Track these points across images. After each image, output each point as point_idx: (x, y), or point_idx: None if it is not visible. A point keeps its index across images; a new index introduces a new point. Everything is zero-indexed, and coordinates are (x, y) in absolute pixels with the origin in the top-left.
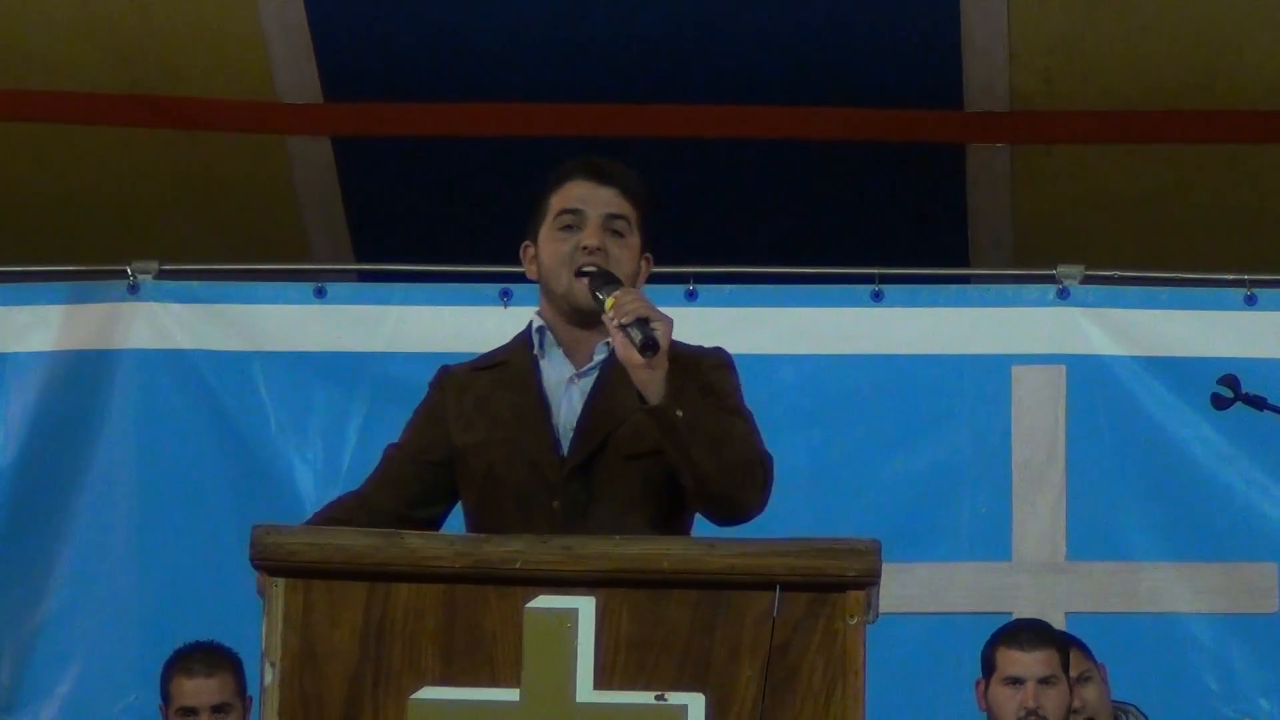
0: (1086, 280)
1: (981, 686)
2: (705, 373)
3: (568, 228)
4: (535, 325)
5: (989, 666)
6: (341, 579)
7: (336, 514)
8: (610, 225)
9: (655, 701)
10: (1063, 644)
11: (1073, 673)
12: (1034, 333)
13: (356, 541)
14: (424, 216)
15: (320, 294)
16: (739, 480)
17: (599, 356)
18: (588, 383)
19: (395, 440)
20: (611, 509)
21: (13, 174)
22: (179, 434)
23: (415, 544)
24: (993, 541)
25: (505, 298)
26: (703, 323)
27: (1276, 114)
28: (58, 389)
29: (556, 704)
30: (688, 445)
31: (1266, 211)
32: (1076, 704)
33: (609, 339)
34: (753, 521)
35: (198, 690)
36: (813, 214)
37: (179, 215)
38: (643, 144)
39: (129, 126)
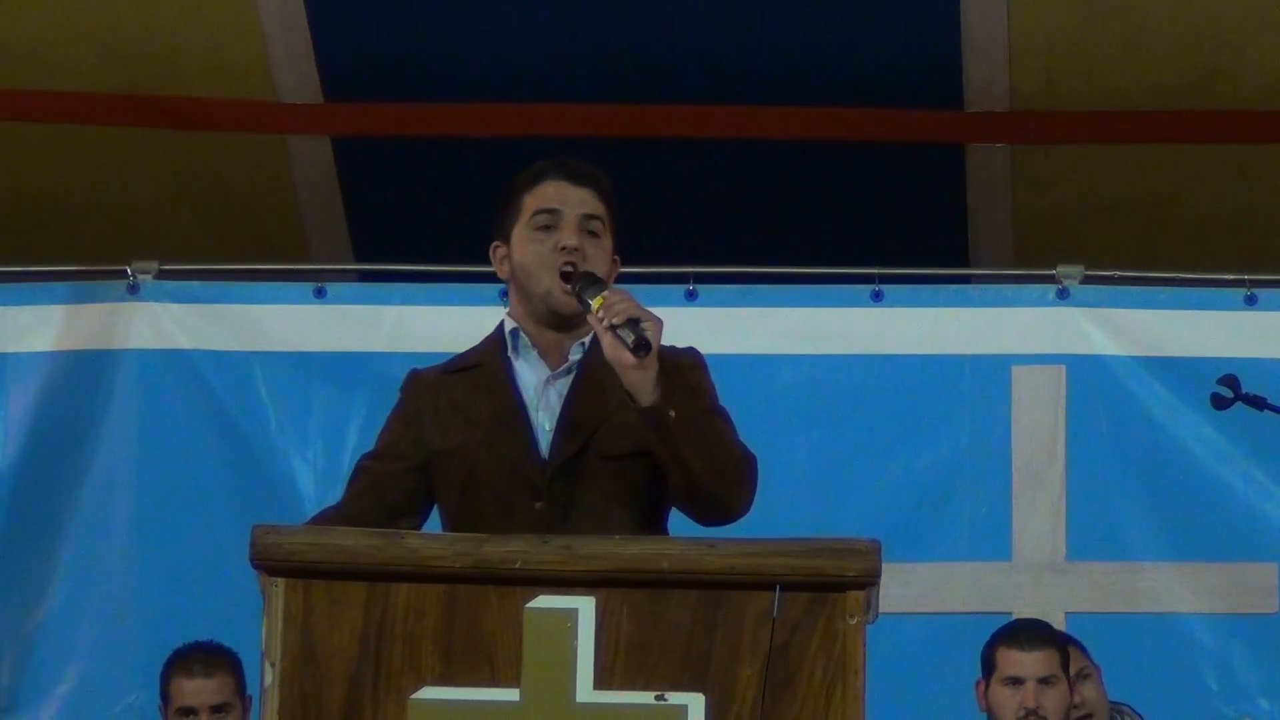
0: (1086, 280)
1: (981, 686)
2: (684, 373)
3: (545, 228)
4: (508, 328)
5: (989, 666)
6: (341, 579)
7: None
8: (586, 225)
9: (655, 701)
10: (1062, 644)
11: (1071, 670)
12: (1034, 333)
13: (357, 541)
14: (424, 216)
15: (320, 294)
16: (729, 480)
17: (574, 357)
18: (564, 384)
19: (368, 450)
20: (594, 510)
21: (13, 174)
22: (179, 434)
23: (415, 544)
24: (993, 541)
25: (505, 298)
26: (703, 323)
27: (1276, 114)
28: (58, 389)
29: (556, 704)
30: (680, 445)
31: (1266, 211)
32: (1076, 700)
33: (584, 340)
34: (753, 521)
35: (197, 690)
36: (813, 214)
37: (179, 215)
38: (643, 144)
39: (129, 126)
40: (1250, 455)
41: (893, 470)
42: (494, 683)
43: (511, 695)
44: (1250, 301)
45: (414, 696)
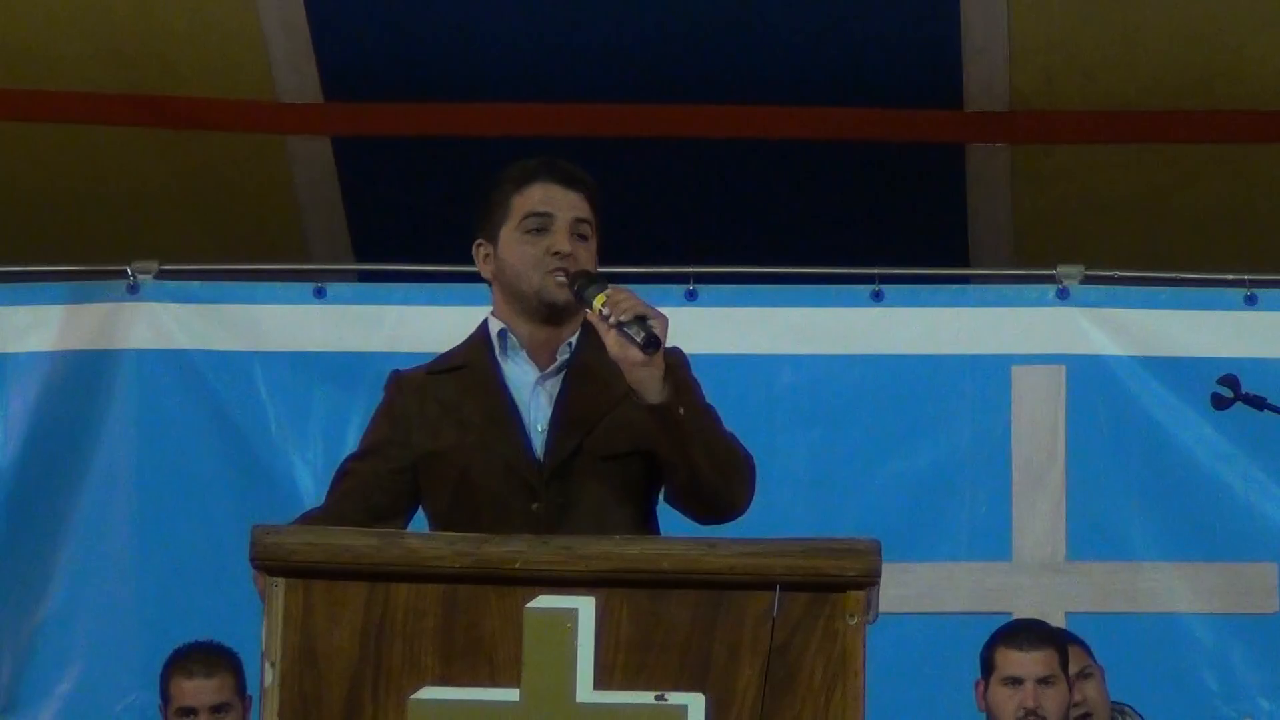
0: (1086, 280)
1: (981, 687)
2: (674, 371)
3: (536, 230)
4: (496, 328)
5: (988, 667)
6: (341, 579)
7: None
8: (576, 229)
9: (655, 701)
10: (1062, 644)
11: (1073, 669)
12: (1034, 333)
13: (357, 541)
14: (424, 216)
15: (320, 294)
16: (733, 478)
17: (562, 357)
18: (555, 384)
19: (353, 451)
20: (591, 510)
21: (13, 174)
22: (179, 434)
23: (415, 544)
24: (993, 541)
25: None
26: (703, 323)
27: (1276, 114)
28: (58, 389)
29: (556, 704)
30: (689, 443)
31: (1266, 211)
32: (1077, 698)
33: (570, 339)
34: (753, 521)
35: (197, 690)
36: (813, 214)
37: (179, 215)
38: (643, 144)
39: (129, 126)
40: (1250, 455)
41: (893, 470)
42: (494, 683)
43: (511, 695)
44: (1250, 301)
45: (414, 696)
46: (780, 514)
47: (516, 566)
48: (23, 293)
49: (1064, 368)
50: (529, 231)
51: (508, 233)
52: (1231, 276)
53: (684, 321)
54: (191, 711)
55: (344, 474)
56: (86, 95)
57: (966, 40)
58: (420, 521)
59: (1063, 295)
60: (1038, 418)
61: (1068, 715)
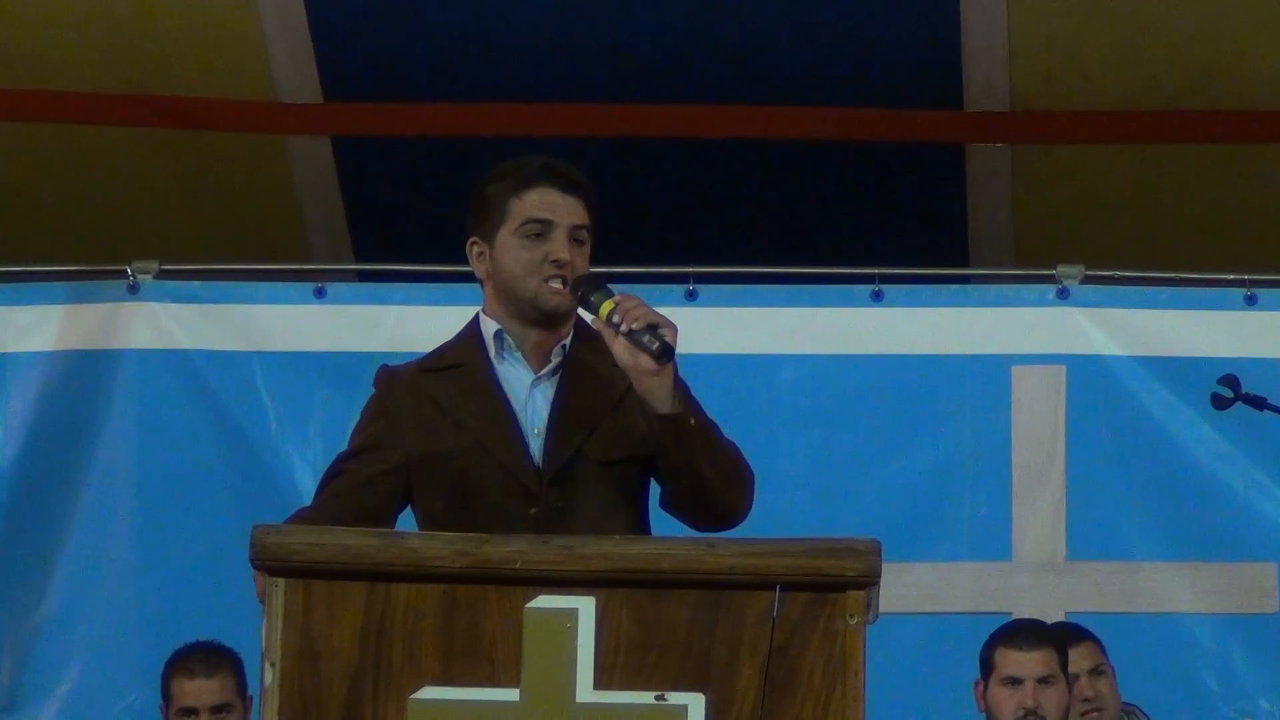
0: (1086, 280)
1: (980, 687)
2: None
3: (535, 236)
4: (491, 329)
5: (987, 667)
6: (341, 579)
7: None
8: (575, 236)
9: (655, 701)
10: (1061, 643)
11: (1087, 665)
12: (1034, 333)
13: (357, 541)
14: (424, 216)
15: (320, 294)
16: (735, 488)
17: (557, 358)
18: (550, 386)
19: (345, 449)
20: (588, 516)
21: (13, 174)
22: (179, 434)
23: (415, 544)
24: (993, 541)
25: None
26: (703, 323)
27: (1276, 114)
28: (58, 389)
29: (556, 704)
30: (696, 453)
31: (1266, 211)
32: (1089, 693)
33: (564, 341)
34: (753, 521)
35: (198, 691)
36: (813, 214)
37: (179, 215)
38: (643, 144)
39: (129, 126)
40: (1250, 455)
41: (893, 470)
42: (494, 683)
43: (511, 695)
44: (1250, 301)
45: (414, 696)
46: (780, 514)
47: (516, 566)
48: (23, 293)
49: (1064, 368)
50: (527, 236)
51: (505, 236)
52: (1231, 276)
53: (684, 321)
54: (192, 712)
55: (336, 473)
56: (86, 95)
57: (966, 40)
58: (407, 519)
59: (1063, 295)
60: (1038, 418)
61: (1067, 715)
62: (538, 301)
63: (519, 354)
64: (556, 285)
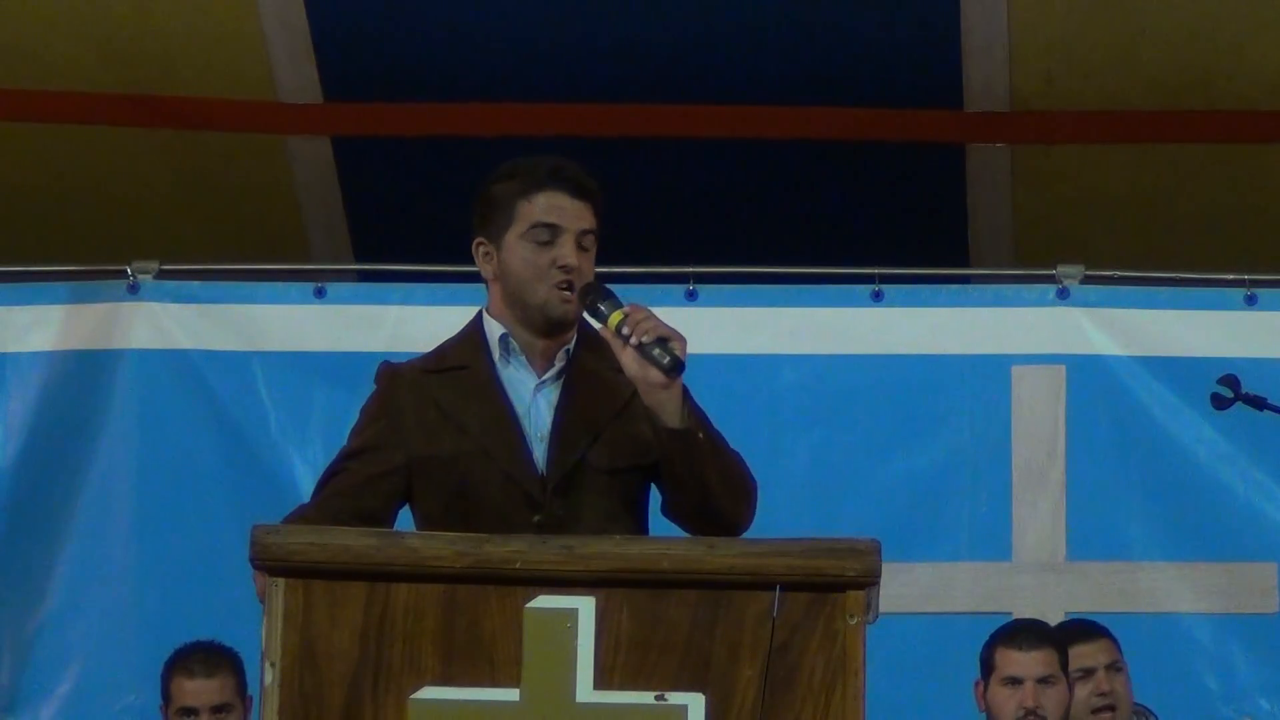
0: (1086, 280)
1: (980, 687)
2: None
3: (543, 241)
4: (496, 332)
5: (988, 667)
6: (341, 579)
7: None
8: (582, 241)
9: (655, 701)
10: (1061, 643)
11: (1104, 660)
12: (1034, 333)
13: (357, 541)
14: (424, 216)
15: (320, 294)
16: (740, 500)
17: (560, 363)
18: (553, 391)
19: (346, 447)
20: (591, 523)
21: (13, 174)
22: (179, 434)
23: (415, 544)
24: (993, 541)
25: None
26: (703, 323)
27: (1276, 114)
28: (58, 389)
29: (556, 704)
30: (703, 466)
31: (1266, 211)
32: (1105, 688)
33: (568, 345)
34: (754, 520)
35: (198, 691)
36: (813, 214)
37: (179, 215)
38: (643, 144)
39: (129, 126)
40: (1250, 455)
41: (893, 470)
42: (494, 683)
43: (511, 695)
44: (1250, 301)
45: (414, 696)
46: (780, 514)
47: (516, 566)
48: (23, 293)
49: (1064, 368)
50: (535, 241)
51: (513, 238)
52: (1231, 276)
53: (684, 321)
54: (192, 712)
55: (336, 471)
56: (86, 95)
57: (966, 40)
58: (405, 518)
59: (1063, 295)
60: (1038, 418)
61: (1067, 715)
62: (546, 309)
63: (523, 357)
64: (565, 294)
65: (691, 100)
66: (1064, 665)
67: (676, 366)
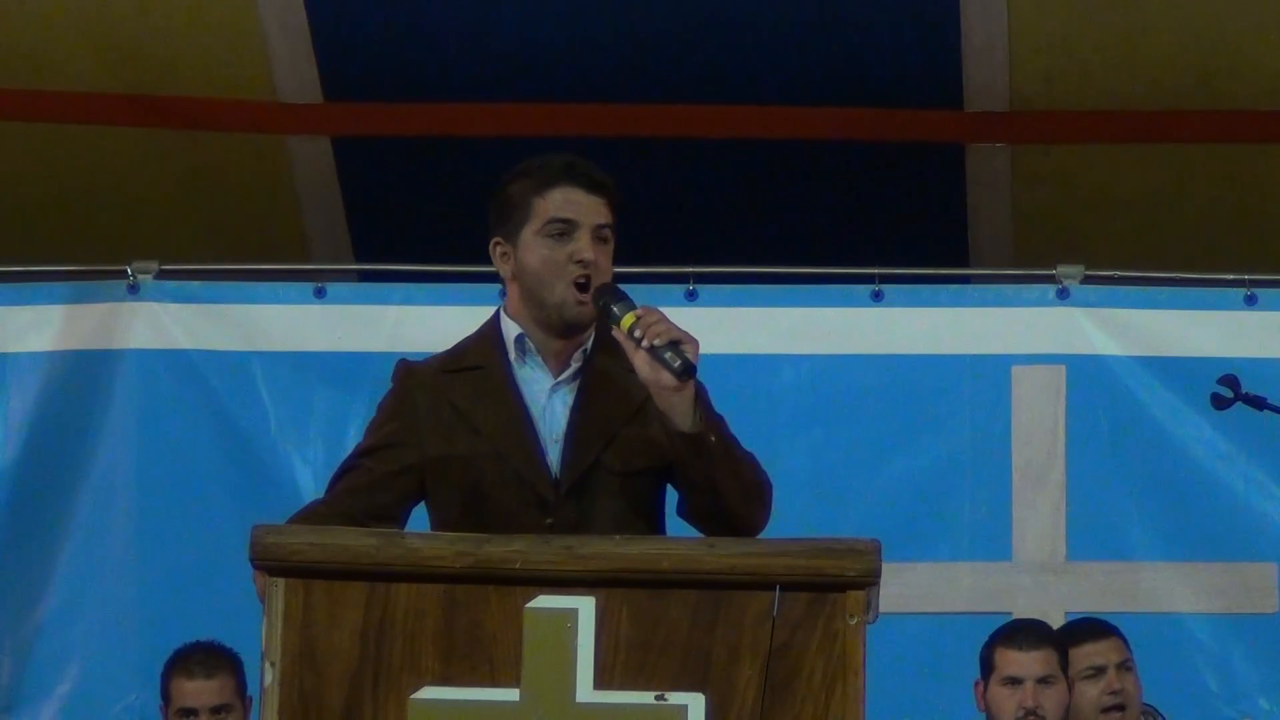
0: (1086, 280)
1: (980, 687)
2: (700, 393)
3: (558, 235)
4: (513, 332)
5: (987, 667)
6: (341, 579)
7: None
8: (599, 235)
9: (655, 701)
10: (1061, 644)
11: (1116, 658)
12: (1034, 333)
13: (357, 541)
14: (424, 216)
15: (320, 294)
16: (754, 503)
17: (577, 364)
18: (568, 392)
19: (362, 443)
20: (605, 525)
21: (13, 174)
22: (179, 434)
23: (416, 544)
24: (993, 541)
25: (505, 298)
26: (703, 323)
27: (1276, 114)
28: (58, 389)
29: (556, 704)
30: (716, 470)
31: (1266, 211)
32: (1117, 686)
33: (585, 346)
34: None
35: (198, 692)
36: (813, 214)
37: (179, 215)
38: (643, 144)
39: (129, 126)
40: (1250, 455)
41: (893, 470)
42: (494, 683)
43: (511, 695)
44: (1250, 301)
45: (414, 696)
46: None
47: (516, 566)
48: (23, 293)
49: (1064, 368)
50: (552, 236)
51: (529, 235)
52: (1231, 276)
53: (684, 321)
54: (192, 712)
55: (350, 469)
56: (86, 95)
57: (966, 40)
58: (419, 518)
59: (1063, 295)
60: (1038, 418)
61: (1067, 715)
62: (562, 310)
63: (539, 358)
64: (581, 295)
65: (692, 100)
66: (1064, 665)
67: (687, 369)
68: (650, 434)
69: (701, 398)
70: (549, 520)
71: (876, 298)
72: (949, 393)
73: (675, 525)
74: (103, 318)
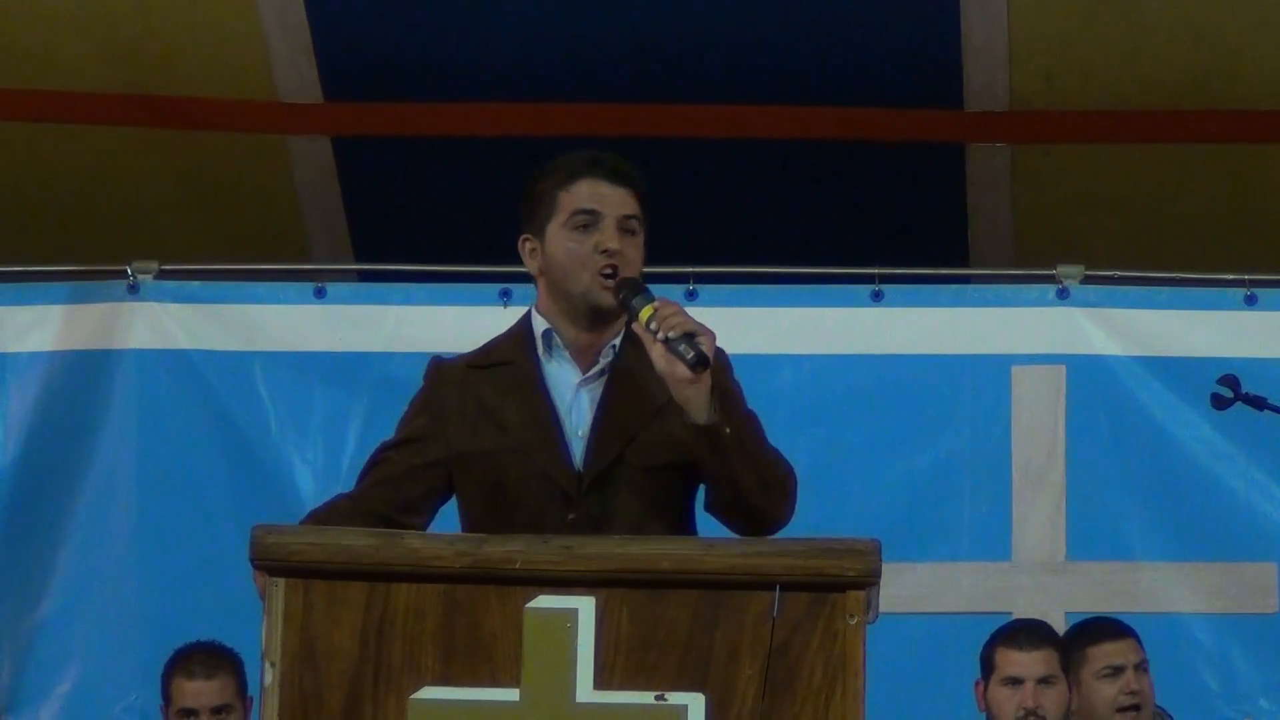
0: (1086, 280)
1: (981, 687)
2: (717, 378)
3: (583, 227)
4: (541, 327)
5: (988, 667)
6: (341, 579)
7: (328, 518)
8: (625, 225)
9: (655, 701)
10: (1061, 644)
11: (1134, 659)
12: (1034, 333)
13: (357, 541)
14: (424, 216)
15: (320, 294)
16: (775, 494)
17: (605, 360)
18: (596, 388)
19: (389, 439)
20: (628, 522)
21: (13, 174)
22: (179, 434)
23: (416, 544)
24: (993, 541)
25: (505, 298)
26: (703, 322)
27: (1276, 114)
28: (58, 389)
29: (556, 704)
30: (733, 462)
31: (1266, 211)
32: (1135, 686)
33: (614, 342)
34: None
35: (198, 692)
36: (813, 214)
37: (179, 215)
38: (643, 144)
39: (129, 126)
40: (1250, 455)
41: (893, 470)
42: (494, 683)
43: (511, 695)
44: (1250, 301)
45: (414, 696)
46: None
47: (516, 566)
48: (23, 293)
49: (1064, 368)
50: (576, 228)
51: (555, 229)
52: (1231, 276)
53: None
54: (192, 713)
55: (377, 462)
56: (86, 95)
57: (966, 40)
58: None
59: (1063, 295)
60: (1038, 418)
61: (1067, 715)
62: (589, 298)
63: (567, 354)
64: (607, 282)
65: (691, 100)
66: (1064, 665)
67: (701, 361)
68: (673, 430)
69: (731, 394)
70: (571, 515)
71: (876, 298)
72: (949, 393)
73: (705, 521)
74: (103, 318)
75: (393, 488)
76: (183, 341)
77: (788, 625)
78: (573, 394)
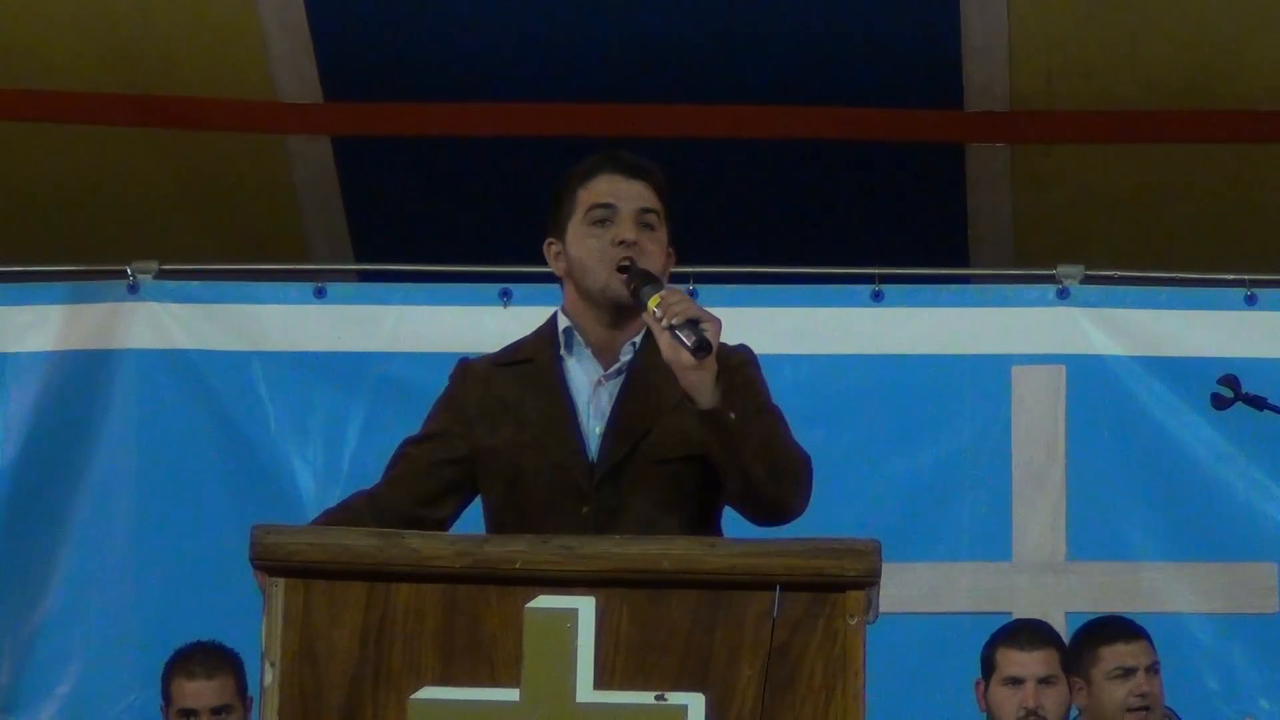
0: (1086, 280)
1: (981, 687)
2: (736, 371)
3: (600, 222)
4: (562, 325)
5: (988, 667)
6: (342, 579)
7: (343, 515)
8: (642, 219)
9: (655, 701)
10: (1062, 643)
11: (1146, 661)
12: (1034, 333)
13: (357, 541)
14: (424, 216)
15: (320, 294)
16: (786, 481)
17: (625, 357)
18: (615, 385)
19: (413, 434)
20: (642, 515)
21: (13, 174)
22: (179, 434)
23: (416, 544)
24: (993, 541)
25: (505, 298)
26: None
27: (1276, 114)
28: (58, 389)
29: (556, 704)
30: (740, 448)
31: (1266, 211)
32: (1146, 689)
33: (635, 339)
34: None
35: (198, 692)
36: (813, 214)
37: (179, 215)
38: (643, 144)
39: (129, 126)
40: (1250, 455)
41: (893, 470)
42: (494, 683)
43: (511, 695)
44: (1250, 301)
45: (414, 696)
46: None
47: (516, 566)
48: (23, 293)
49: (1064, 368)
50: (594, 223)
51: (574, 226)
52: (1231, 276)
53: None
54: (193, 713)
55: (400, 457)
56: (86, 95)
57: (966, 40)
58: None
59: (1063, 295)
60: (1038, 418)
61: (1068, 715)
62: (607, 291)
63: (588, 351)
64: (623, 274)
65: (691, 100)
66: (1064, 665)
67: (703, 347)
68: (687, 423)
69: (744, 384)
70: (586, 509)
71: (876, 298)
72: (949, 393)
73: (730, 515)
74: (102, 318)
75: (414, 482)
76: (183, 341)
77: (788, 625)
78: (592, 390)
